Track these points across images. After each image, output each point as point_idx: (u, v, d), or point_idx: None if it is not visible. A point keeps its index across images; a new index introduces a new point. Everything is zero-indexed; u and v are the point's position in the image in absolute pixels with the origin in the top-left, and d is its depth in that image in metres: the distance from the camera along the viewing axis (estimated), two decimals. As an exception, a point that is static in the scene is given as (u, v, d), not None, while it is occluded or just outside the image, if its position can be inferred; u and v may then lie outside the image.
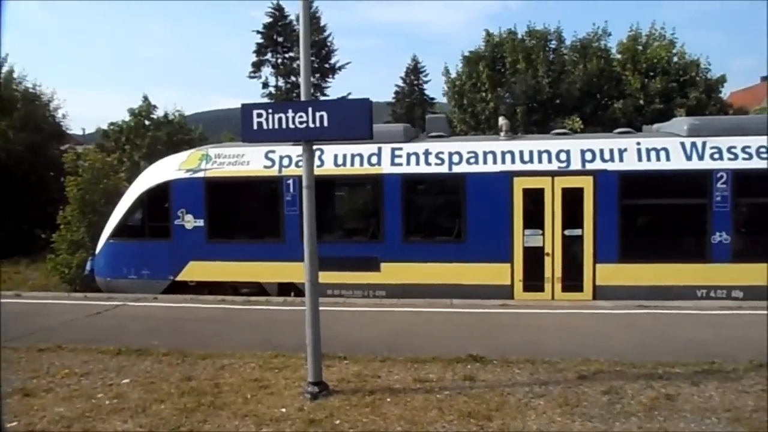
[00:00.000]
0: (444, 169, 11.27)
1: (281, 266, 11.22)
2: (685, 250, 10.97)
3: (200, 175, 11.87)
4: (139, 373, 6.69)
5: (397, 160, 11.41)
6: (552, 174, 10.97)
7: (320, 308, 6.13)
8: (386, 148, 11.48)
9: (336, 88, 62.96)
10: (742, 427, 5.00)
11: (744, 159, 10.58)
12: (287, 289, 11.25)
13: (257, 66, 37.33)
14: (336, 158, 11.56)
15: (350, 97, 32.07)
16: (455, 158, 11.27)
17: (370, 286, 11.36)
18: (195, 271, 11.94)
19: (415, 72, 44.76)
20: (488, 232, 11.07)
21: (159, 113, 25.79)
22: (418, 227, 11.79)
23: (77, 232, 14.63)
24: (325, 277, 11.07)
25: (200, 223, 11.81)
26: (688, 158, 10.73)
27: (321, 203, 12.15)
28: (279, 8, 36.91)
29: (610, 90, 22.87)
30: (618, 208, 10.80)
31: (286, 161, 11.52)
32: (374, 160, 11.46)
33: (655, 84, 21.76)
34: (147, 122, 25.24)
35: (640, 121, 19.17)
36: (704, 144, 10.75)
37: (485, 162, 11.18)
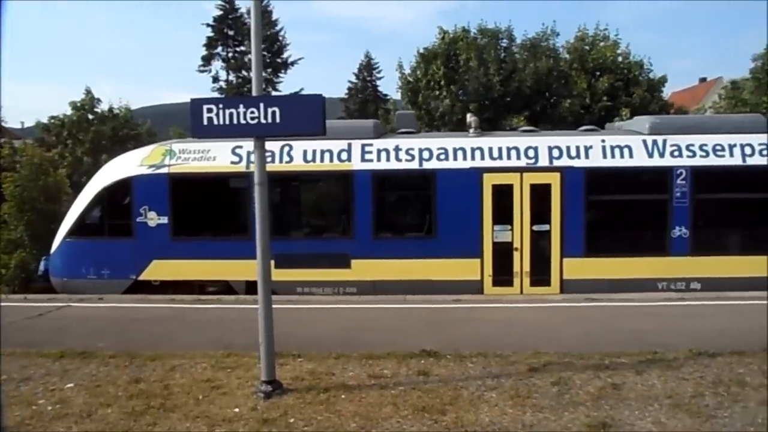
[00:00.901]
0: (414, 165, 11.31)
1: (249, 264, 10.95)
2: (647, 244, 11.38)
3: (164, 170, 11.53)
4: (83, 376, 6.44)
5: (367, 156, 11.39)
6: (520, 170, 11.18)
7: (273, 306, 6.06)
8: (356, 144, 11.46)
9: (288, 84, 62.38)
10: (682, 413, 5.23)
11: (701, 156, 11.06)
12: (255, 288, 11.07)
13: (207, 60, 36.57)
14: (305, 154, 11.44)
15: (303, 92, 31.89)
16: (425, 154, 11.34)
17: (340, 283, 11.30)
18: (159, 270, 11.61)
19: (368, 68, 44.83)
20: (458, 227, 11.19)
21: (103, 107, 25.00)
22: (389, 223, 11.82)
23: (15, 230, 14.05)
24: (295, 274, 11.12)
25: (164, 220, 11.47)
26: (650, 155, 11.14)
27: (291, 200, 12.28)
28: (230, 1, 36.24)
29: (558, 89, 23.46)
30: (584, 204, 11.11)
31: (253, 157, 11.29)
32: (344, 156, 11.40)
33: (601, 82, 22.47)
34: (90, 116, 24.39)
35: (588, 120, 19.74)
36: (665, 142, 11.19)
37: (455, 158, 11.29)
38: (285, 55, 37.05)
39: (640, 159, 11.12)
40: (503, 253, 11.16)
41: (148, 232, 11.50)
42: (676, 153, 11.10)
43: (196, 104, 5.89)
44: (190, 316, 9.58)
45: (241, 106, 5.81)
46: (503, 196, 11.14)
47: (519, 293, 11.08)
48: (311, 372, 6.42)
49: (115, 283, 11.54)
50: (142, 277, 11.63)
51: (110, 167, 12.41)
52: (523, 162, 11.20)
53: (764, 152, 11.04)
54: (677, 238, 11.03)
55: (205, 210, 12.05)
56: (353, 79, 44.73)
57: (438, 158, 11.29)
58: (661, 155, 11.11)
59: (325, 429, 5.07)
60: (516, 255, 11.16)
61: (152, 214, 11.49)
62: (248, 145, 11.27)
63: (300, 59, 37.73)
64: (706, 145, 11.12)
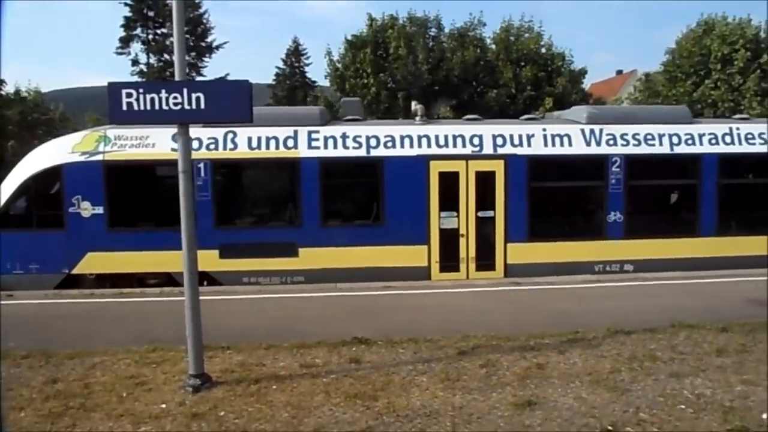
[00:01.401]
0: (362, 152, 11.27)
1: None
2: (585, 228, 11.89)
3: (98, 158, 10.88)
4: (-8, 379, 6.04)
5: (314, 144, 11.23)
6: (466, 158, 11.37)
7: (201, 297, 5.89)
8: (303, 132, 11.28)
9: (213, 69, 60.44)
10: (600, 388, 5.53)
11: (634, 145, 11.65)
12: (200, 279, 10.72)
13: (126, 41, 34.67)
14: (250, 141, 11.15)
15: (229, 78, 30.98)
16: (372, 142, 11.32)
17: (287, 272, 11.14)
18: (94, 262, 11.00)
19: (296, 54, 43.98)
20: (406, 215, 11.27)
21: (9, 89, 23.36)
22: (336, 211, 11.69)
23: None
24: (241, 264, 10.94)
25: (99, 210, 10.85)
26: (588, 144, 11.61)
27: (236, 188, 11.96)
28: (149, -21, 34.51)
29: (485, 78, 24.00)
30: (526, 191, 11.43)
31: (195, 144, 10.82)
32: (290, 143, 11.20)
33: (526, 72, 23.18)
34: (-5, 99, 22.73)
35: (513, 109, 20.37)
36: (601, 131, 11.71)
37: (402, 146, 11.34)
38: (209, 39, 35.76)
39: (579, 147, 11.58)
40: (450, 240, 11.36)
41: (82, 222, 10.89)
42: (611, 142, 11.64)
43: (115, 88, 5.59)
44: (111, 311, 9.16)
45: (164, 91, 5.56)
46: (449, 183, 11.33)
47: (465, 278, 11.31)
48: (241, 364, 6.31)
49: (45, 278, 10.87)
50: (76, 270, 11.02)
51: (37, 154, 11.60)
52: (468, 150, 11.41)
53: (689, 141, 11.80)
54: (612, 222, 11.60)
55: (144, 199, 11.49)
56: (281, 65, 43.84)
57: (385, 146, 11.33)
58: (598, 144, 11.62)
59: (256, 420, 5.00)
60: (462, 241, 11.38)
61: (86, 204, 10.89)
62: (190, 131, 10.88)
63: (225, 43, 36.90)
64: (638, 134, 11.74)
